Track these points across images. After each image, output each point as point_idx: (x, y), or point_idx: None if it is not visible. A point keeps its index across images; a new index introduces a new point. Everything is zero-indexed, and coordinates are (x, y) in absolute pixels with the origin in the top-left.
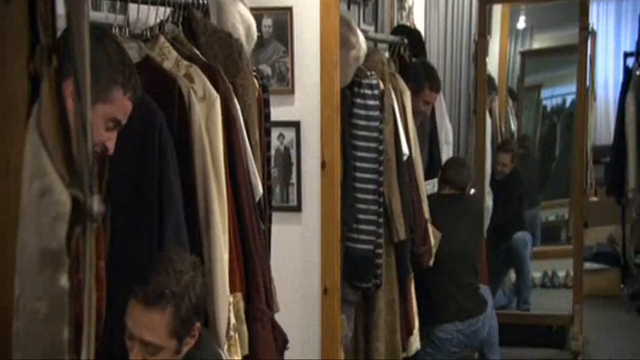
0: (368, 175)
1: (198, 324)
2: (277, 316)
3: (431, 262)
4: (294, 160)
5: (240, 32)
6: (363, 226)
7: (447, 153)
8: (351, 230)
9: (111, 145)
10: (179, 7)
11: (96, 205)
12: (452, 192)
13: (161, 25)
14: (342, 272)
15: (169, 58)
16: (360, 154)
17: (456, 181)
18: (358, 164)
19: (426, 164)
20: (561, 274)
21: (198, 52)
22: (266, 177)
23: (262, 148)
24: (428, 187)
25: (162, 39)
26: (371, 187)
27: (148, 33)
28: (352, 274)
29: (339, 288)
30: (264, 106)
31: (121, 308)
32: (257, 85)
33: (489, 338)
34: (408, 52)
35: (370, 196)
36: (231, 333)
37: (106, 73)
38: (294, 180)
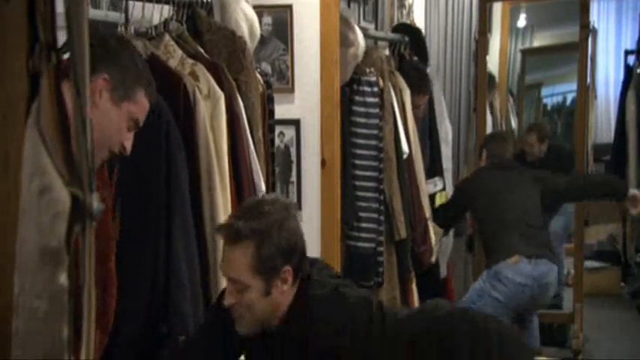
0: (368, 173)
1: (288, 267)
2: None
3: (433, 260)
4: (294, 158)
5: (244, 30)
6: (364, 225)
7: (446, 152)
8: (352, 229)
9: (129, 145)
10: (183, 6)
11: (95, 203)
12: (497, 161)
13: (165, 23)
14: (343, 271)
15: (174, 57)
16: (359, 151)
17: (499, 154)
18: (358, 162)
19: (428, 163)
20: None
21: (202, 51)
22: (270, 174)
23: (266, 145)
24: (429, 186)
25: (167, 37)
26: (371, 185)
27: (153, 31)
28: (353, 272)
29: None
30: (268, 102)
31: (129, 305)
32: (261, 82)
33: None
34: (409, 51)
35: (371, 194)
36: None
37: (132, 74)
38: (294, 178)
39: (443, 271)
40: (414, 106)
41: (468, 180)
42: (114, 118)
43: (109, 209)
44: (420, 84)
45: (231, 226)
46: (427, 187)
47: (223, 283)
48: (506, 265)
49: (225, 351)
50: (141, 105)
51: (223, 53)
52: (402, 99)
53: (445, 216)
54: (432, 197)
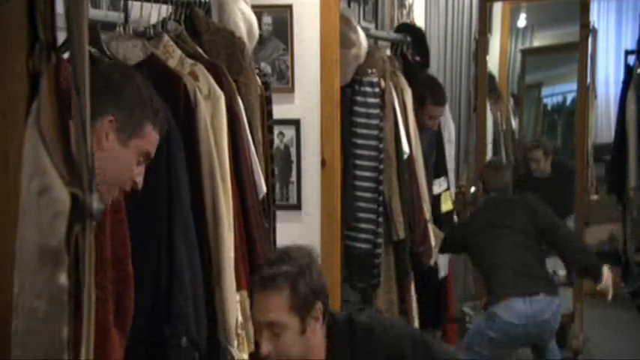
0: (368, 174)
1: (320, 305)
2: None
3: (431, 262)
4: (294, 158)
5: (242, 30)
6: (362, 225)
7: (449, 152)
8: (351, 229)
9: (140, 180)
10: (181, 5)
11: (95, 203)
12: (494, 195)
13: (164, 23)
14: (341, 272)
15: (174, 57)
16: (360, 152)
17: (496, 187)
18: (358, 162)
19: (434, 163)
20: (562, 272)
21: (201, 51)
22: (270, 175)
23: (265, 145)
24: (434, 186)
25: (166, 37)
26: (371, 185)
27: (151, 31)
28: (351, 273)
29: (339, 286)
30: (267, 103)
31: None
32: (259, 83)
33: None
34: (411, 51)
35: (370, 195)
36: (239, 331)
37: (139, 110)
38: (294, 178)
39: (444, 271)
40: (430, 117)
41: (463, 224)
42: (122, 159)
43: (123, 214)
44: (437, 94)
45: (265, 273)
46: (434, 187)
47: (226, 282)
48: (500, 306)
49: None
50: (149, 138)
51: (222, 54)
52: (403, 99)
53: (448, 250)
54: (437, 197)
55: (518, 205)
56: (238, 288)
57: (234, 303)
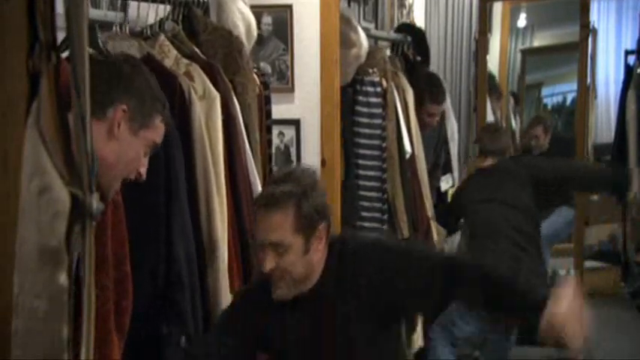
0: (371, 173)
1: (323, 224)
2: None
3: None
4: (294, 158)
5: (241, 30)
6: (367, 224)
7: (452, 149)
8: (355, 228)
9: (144, 171)
10: (179, 5)
11: (95, 203)
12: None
13: (161, 23)
14: None
15: (169, 57)
16: (362, 151)
17: (493, 149)
18: (361, 162)
19: (442, 161)
20: (562, 272)
21: (198, 51)
22: (268, 174)
23: (263, 145)
24: (442, 183)
25: (162, 37)
26: (374, 184)
27: (148, 31)
28: None
29: None
30: (265, 103)
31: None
32: (257, 82)
33: None
34: (412, 51)
35: (373, 194)
36: None
37: (150, 101)
38: None
39: None
40: (429, 115)
41: (459, 189)
42: (133, 148)
43: (121, 214)
44: (436, 92)
45: (270, 193)
46: (442, 184)
47: (220, 281)
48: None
49: (256, 325)
50: (158, 130)
51: (219, 54)
52: (404, 99)
53: (446, 222)
54: (445, 193)
55: (511, 172)
56: (232, 288)
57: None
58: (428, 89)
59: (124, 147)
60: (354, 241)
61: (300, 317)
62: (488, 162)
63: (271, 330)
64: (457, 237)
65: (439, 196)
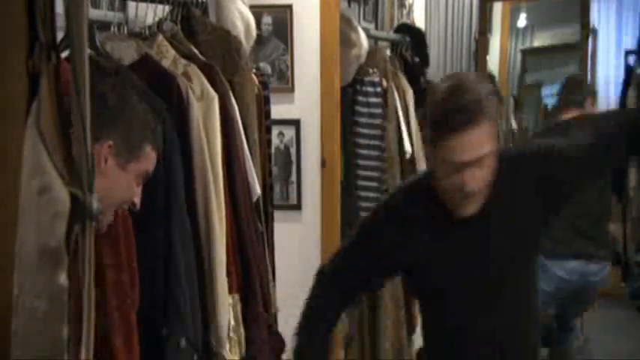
0: (371, 173)
1: (498, 120)
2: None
3: None
4: (293, 158)
5: (240, 30)
6: None
7: None
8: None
9: (138, 201)
10: (178, 5)
11: (95, 203)
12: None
13: (159, 23)
14: None
15: (167, 57)
16: (362, 151)
17: (576, 100)
18: (361, 162)
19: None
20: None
21: (196, 51)
22: (267, 175)
23: (262, 146)
24: None
25: (160, 37)
26: (374, 184)
27: (147, 31)
28: None
29: None
30: (265, 103)
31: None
32: (256, 82)
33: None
34: (410, 52)
35: (374, 194)
36: (231, 334)
37: (138, 132)
38: (293, 178)
39: None
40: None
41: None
42: (122, 182)
43: (127, 216)
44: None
45: (458, 112)
46: None
47: (218, 285)
48: (554, 262)
49: (404, 243)
50: (148, 159)
51: (218, 54)
52: (404, 99)
53: None
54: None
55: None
56: (230, 291)
57: (226, 306)
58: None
59: (113, 182)
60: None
61: (466, 233)
62: (572, 113)
63: (425, 248)
64: None
65: None
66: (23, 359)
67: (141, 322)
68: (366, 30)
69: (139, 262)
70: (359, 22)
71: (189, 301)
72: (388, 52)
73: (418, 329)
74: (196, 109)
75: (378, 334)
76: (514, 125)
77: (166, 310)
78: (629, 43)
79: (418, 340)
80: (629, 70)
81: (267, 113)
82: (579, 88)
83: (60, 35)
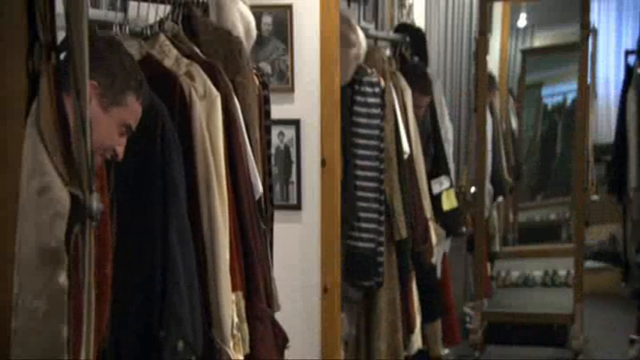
0: (369, 173)
1: None
2: (277, 315)
3: (433, 260)
4: (293, 158)
5: (240, 30)
6: (364, 224)
7: (447, 150)
8: (353, 228)
9: (121, 150)
10: (179, 5)
11: (95, 203)
12: None
13: (161, 23)
14: (343, 271)
15: (169, 56)
16: (361, 152)
17: None
18: (359, 162)
19: (431, 162)
20: (562, 272)
21: (198, 51)
22: (267, 175)
23: (263, 146)
24: (435, 185)
25: (162, 37)
26: (372, 185)
27: (148, 31)
28: (354, 272)
29: (340, 287)
30: (265, 103)
31: (126, 309)
32: (257, 82)
33: None
34: (410, 51)
35: (371, 194)
36: (235, 332)
37: (121, 79)
38: (294, 178)
39: (438, 271)
40: (416, 106)
41: None
42: (104, 124)
43: (106, 215)
44: (421, 84)
45: None
46: (433, 186)
47: (222, 282)
48: None
49: None
50: (132, 109)
51: (219, 54)
52: (403, 99)
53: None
54: (438, 197)
55: None
56: (233, 288)
57: (230, 303)
58: (416, 81)
59: (95, 122)
60: None
61: None
62: None
63: None
64: (457, 238)
65: (432, 200)
66: (23, 359)
67: (137, 325)
68: (365, 30)
69: (138, 263)
70: (359, 22)
71: (187, 303)
72: (388, 52)
73: (417, 330)
74: (199, 108)
75: (372, 335)
76: (514, 125)
77: (163, 313)
78: (629, 43)
79: (418, 341)
80: (629, 70)
81: (268, 113)
82: None
83: (60, 35)
